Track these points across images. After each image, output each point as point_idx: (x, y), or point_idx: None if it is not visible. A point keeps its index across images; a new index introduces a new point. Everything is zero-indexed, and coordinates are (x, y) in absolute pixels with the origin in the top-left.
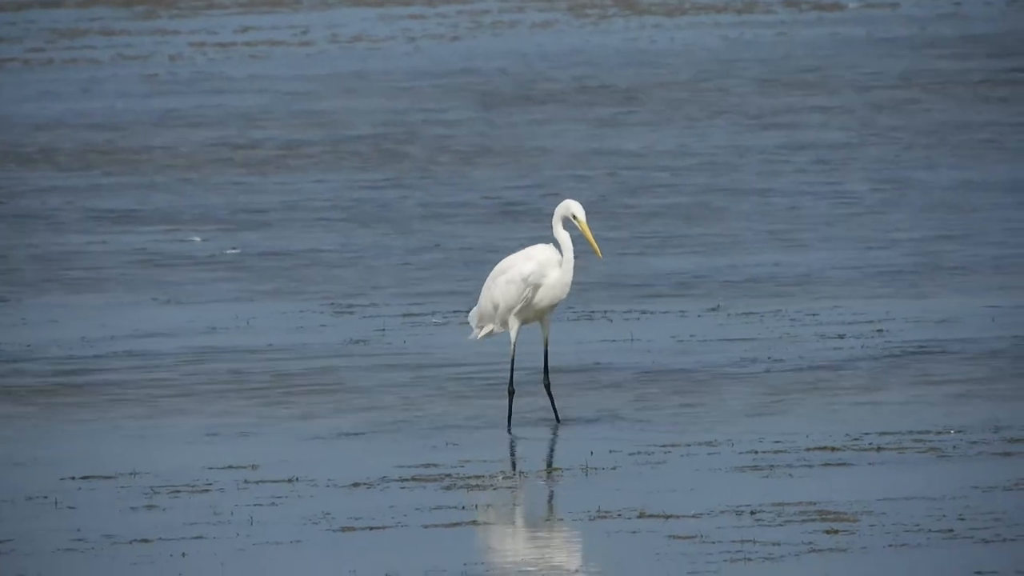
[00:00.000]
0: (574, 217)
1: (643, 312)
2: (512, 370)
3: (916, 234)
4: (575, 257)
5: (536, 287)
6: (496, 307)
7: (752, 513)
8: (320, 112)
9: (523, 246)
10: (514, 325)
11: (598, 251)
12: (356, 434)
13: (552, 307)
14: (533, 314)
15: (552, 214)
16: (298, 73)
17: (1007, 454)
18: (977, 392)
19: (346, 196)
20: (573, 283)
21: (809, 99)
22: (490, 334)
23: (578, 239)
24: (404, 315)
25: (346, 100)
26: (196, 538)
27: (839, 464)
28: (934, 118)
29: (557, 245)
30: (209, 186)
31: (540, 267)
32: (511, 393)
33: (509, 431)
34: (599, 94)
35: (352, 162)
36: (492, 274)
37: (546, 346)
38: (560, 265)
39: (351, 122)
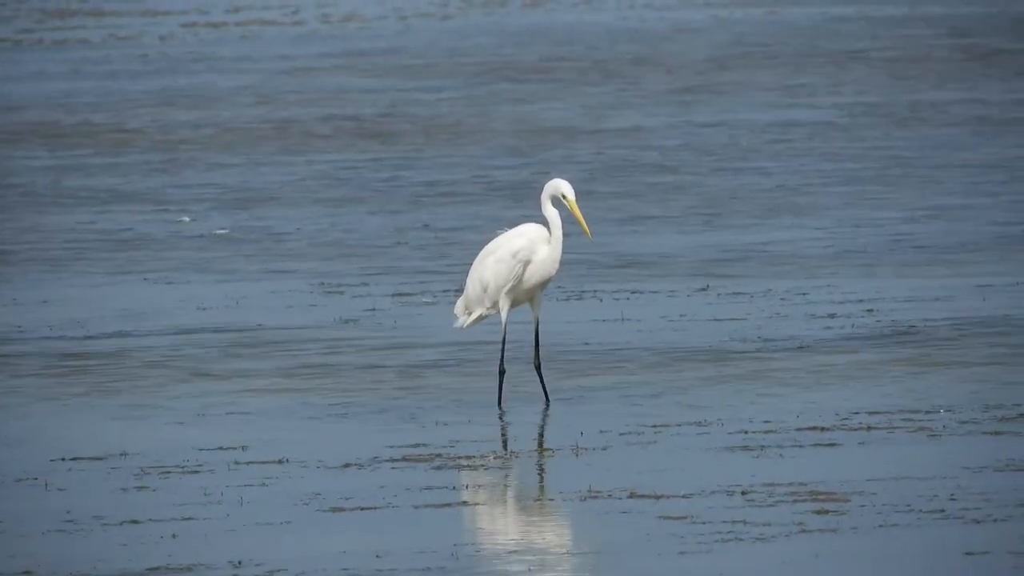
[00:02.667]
0: (564, 197)
1: (633, 292)
2: (503, 350)
3: (905, 213)
4: (564, 236)
5: (526, 264)
6: (486, 288)
7: (743, 493)
8: (310, 91)
9: (513, 225)
10: (504, 305)
11: (588, 232)
12: (346, 414)
13: (542, 285)
14: (523, 294)
15: (541, 192)
16: (289, 53)
17: (997, 433)
18: (967, 371)
19: (336, 175)
20: (563, 263)
21: (797, 76)
22: (479, 319)
23: (567, 219)
24: (394, 295)
25: (336, 79)
26: (186, 519)
27: (829, 444)
28: (921, 96)
29: (545, 223)
30: (199, 165)
31: (530, 243)
32: (502, 373)
33: (500, 411)
34: (589, 72)
35: (342, 141)
36: (480, 256)
37: (537, 327)
38: (549, 242)
39: (341, 101)
